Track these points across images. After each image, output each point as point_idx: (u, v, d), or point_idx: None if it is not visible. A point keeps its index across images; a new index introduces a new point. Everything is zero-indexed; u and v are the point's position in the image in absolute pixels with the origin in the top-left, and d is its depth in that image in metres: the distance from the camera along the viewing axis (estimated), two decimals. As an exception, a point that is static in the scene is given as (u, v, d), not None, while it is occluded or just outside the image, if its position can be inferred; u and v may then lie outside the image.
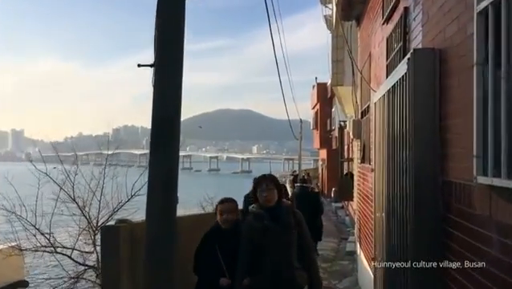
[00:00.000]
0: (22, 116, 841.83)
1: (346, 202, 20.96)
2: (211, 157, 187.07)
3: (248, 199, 6.85)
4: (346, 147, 15.25)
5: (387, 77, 4.70)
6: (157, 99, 3.90)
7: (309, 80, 40.20)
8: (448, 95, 3.06)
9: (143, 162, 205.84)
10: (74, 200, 9.59)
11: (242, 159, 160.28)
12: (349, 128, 8.49)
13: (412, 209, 3.20)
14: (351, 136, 8.71)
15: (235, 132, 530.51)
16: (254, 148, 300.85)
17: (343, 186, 10.32)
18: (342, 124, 10.63)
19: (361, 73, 7.08)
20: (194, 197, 29.24)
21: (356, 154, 9.51)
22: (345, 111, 11.43)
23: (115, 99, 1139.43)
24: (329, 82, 32.35)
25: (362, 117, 8.06)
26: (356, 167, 9.23)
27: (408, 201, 3.29)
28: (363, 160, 7.38)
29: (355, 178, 9.73)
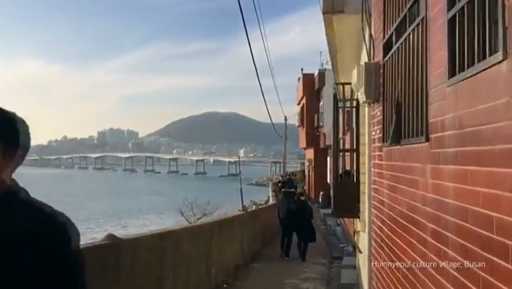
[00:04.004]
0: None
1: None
2: (197, 160, 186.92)
3: None
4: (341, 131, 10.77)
5: None
6: None
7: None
8: None
9: (128, 165, 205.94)
10: None
11: (229, 162, 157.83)
12: (356, 84, 4.44)
13: None
14: (361, 99, 4.61)
15: (222, 135, 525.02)
16: (241, 152, 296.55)
17: (345, 194, 5.98)
18: (335, 88, 6.29)
19: None
20: (177, 201, 26.39)
21: (366, 137, 5.37)
22: (339, 74, 7.04)
23: (101, 102, 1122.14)
24: (316, 72, 29.16)
25: (385, 56, 3.94)
26: (369, 159, 5.09)
27: None
28: (395, 138, 3.29)
29: (365, 181, 5.60)
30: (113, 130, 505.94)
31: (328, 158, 25.26)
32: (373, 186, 4.55)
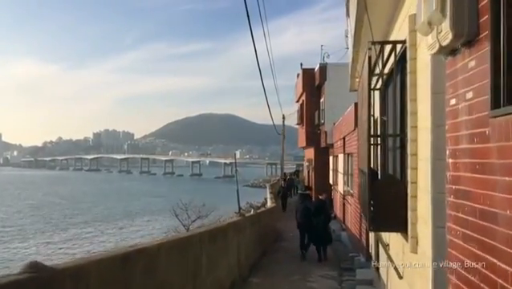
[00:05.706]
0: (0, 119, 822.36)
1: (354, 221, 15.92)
2: (193, 162, 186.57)
3: None
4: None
5: None
6: None
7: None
8: None
9: (124, 167, 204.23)
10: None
11: (225, 163, 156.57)
12: (432, 17, 2.66)
13: None
14: (436, 46, 2.83)
15: (218, 136, 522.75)
16: (237, 153, 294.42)
17: (388, 198, 4.17)
18: (371, 49, 4.38)
19: None
20: (172, 203, 25.03)
21: (428, 115, 3.62)
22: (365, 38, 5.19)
23: (96, 103, 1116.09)
24: (317, 67, 27.49)
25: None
26: (434, 145, 3.33)
27: None
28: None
29: (416, 180, 3.84)
30: (108, 131, 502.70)
31: (330, 158, 23.52)
32: (453, 187, 2.80)
